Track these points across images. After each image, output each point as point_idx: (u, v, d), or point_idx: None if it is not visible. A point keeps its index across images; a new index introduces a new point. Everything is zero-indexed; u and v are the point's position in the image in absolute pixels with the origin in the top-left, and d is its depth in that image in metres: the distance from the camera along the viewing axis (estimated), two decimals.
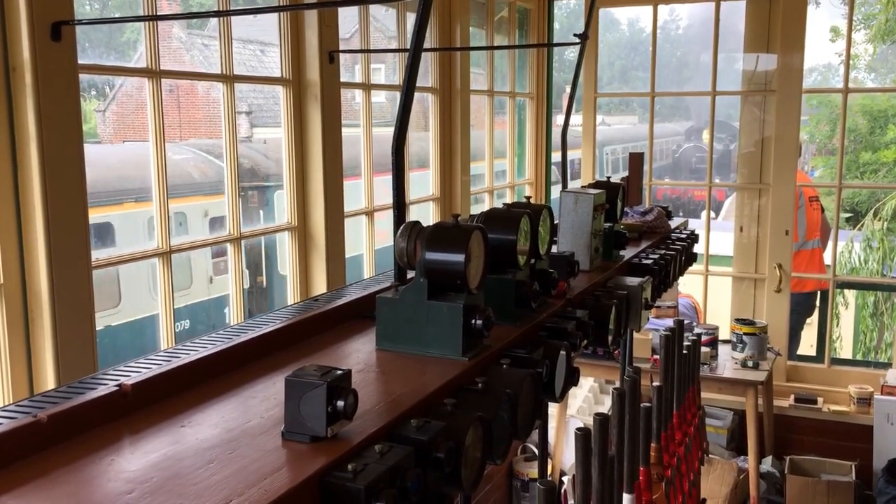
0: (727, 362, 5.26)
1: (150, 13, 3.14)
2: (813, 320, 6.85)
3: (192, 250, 3.63)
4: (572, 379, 1.68)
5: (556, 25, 6.90)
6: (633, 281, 2.31)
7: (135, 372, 1.28)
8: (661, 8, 6.29)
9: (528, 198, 2.06)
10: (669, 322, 3.92)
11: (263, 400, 1.27)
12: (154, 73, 3.14)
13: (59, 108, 2.57)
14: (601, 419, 1.77)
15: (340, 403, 1.09)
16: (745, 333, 5.29)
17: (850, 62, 5.98)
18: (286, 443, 1.09)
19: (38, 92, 2.50)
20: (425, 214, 5.31)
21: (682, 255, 2.99)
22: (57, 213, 2.57)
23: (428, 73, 5.16)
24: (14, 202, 2.54)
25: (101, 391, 1.19)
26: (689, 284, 6.24)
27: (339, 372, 1.11)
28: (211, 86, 8.72)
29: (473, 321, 1.44)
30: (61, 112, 2.59)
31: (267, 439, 1.11)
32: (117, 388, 1.20)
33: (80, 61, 2.70)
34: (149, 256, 3.23)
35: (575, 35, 3.19)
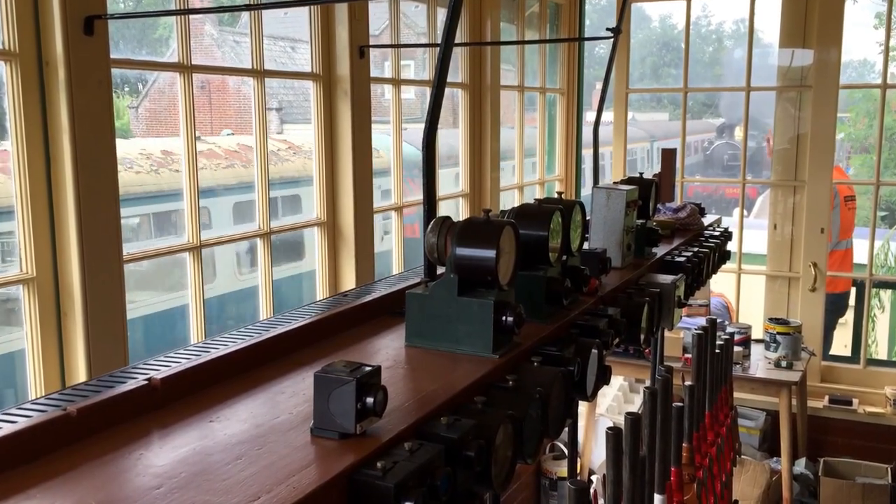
0: (760, 362, 5.19)
1: (182, 7, 3.15)
2: (846, 320, 6.73)
3: (221, 245, 3.64)
4: (604, 377, 1.65)
5: (587, 22, 6.84)
6: (665, 279, 2.28)
7: (164, 366, 1.28)
8: (694, 3, 6.21)
9: (560, 193, 2.04)
10: (701, 321, 3.86)
11: (292, 395, 1.26)
12: (185, 68, 3.15)
13: (91, 102, 2.59)
14: (633, 419, 1.74)
15: (370, 400, 1.07)
16: (778, 333, 5.21)
17: (888, 57, 5.85)
18: (315, 439, 1.08)
19: (70, 86, 2.51)
20: (454, 210, 5.29)
21: (716, 253, 2.94)
22: (89, 207, 2.59)
23: (458, 68, 5.14)
24: (47, 196, 2.57)
25: (131, 385, 1.19)
26: (720, 283, 6.16)
27: (369, 368, 1.10)
28: (242, 82, 8.78)
29: (504, 318, 1.42)
30: (94, 106, 2.60)
31: (296, 435, 1.10)
32: (146, 382, 1.20)
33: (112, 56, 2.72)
34: (179, 251, 3.25)
35: (608, 29, 3.15)
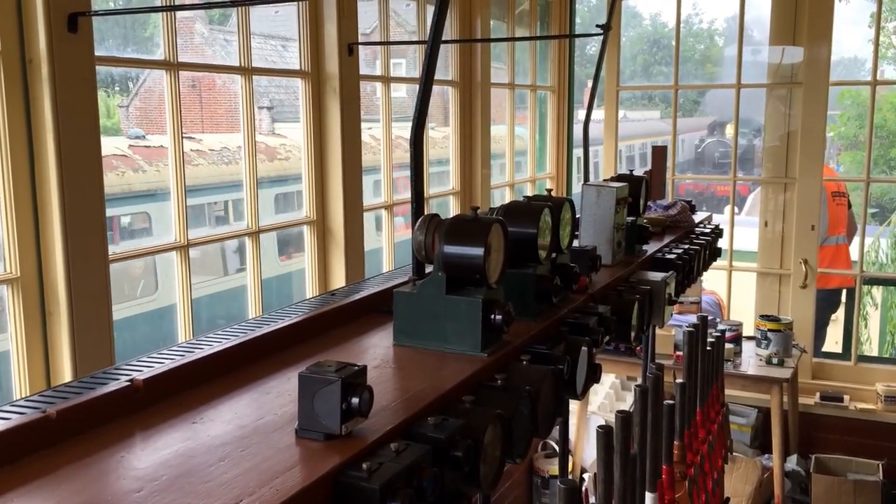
0: (751, 359, 5.19)
1: (167, 3, 3.12)
2: (838, 317, 6.73)
3: (210, 244, 3.61)
4: (594, 376, 1.64)
5: (577, 20, 6.83)
6: (656, 276, 2.27)
7: (147, 367, 1.26)
8: (684, 1, 6.21)
9: (550, 191, 2.02)
10: (692, 318, 3.86)
11: (277, 396, 1.24)
12: (172, 66, 3.12)
13: (75, 100, 2.56)
14: (623, 417, 1.73)
15: (355, 400, 1.06)
16: (769, 330, 5.21)
17: (878, 55, 5.85)
18: (299, 440, 1.07)
19: (54, 84, 2.48)
20: (445, 209, 5.27)
21: (707, 250, 2.94)
22: (74, 206, 2.56)
23: (448, 66, 5.13)
24: (31, 195, 2.53)
25: (113, 386, 1.17)
26: (712, 280, 6.16)
27: (355, 368, 1.08)
28: (232, 81, 8.73)
29: (493, 316, 1.41)
30: (78, 104, 2.57)
31: (280, 436, 1.08)
32: (129, 383, 1.18)
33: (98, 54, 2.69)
34: (167, 250, 3.22)
35: (598, 26, 3.14)
